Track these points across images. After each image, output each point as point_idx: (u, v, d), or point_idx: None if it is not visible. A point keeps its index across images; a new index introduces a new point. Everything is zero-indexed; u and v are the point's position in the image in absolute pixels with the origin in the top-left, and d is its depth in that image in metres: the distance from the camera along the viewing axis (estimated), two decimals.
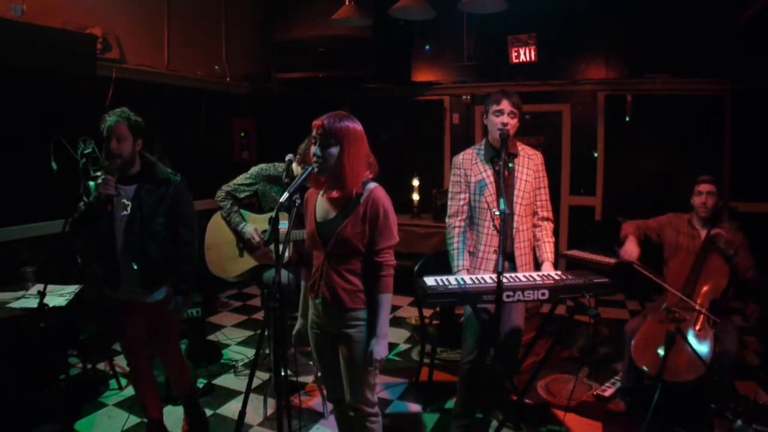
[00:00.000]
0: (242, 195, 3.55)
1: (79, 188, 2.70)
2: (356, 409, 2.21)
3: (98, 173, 2.53)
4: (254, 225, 3.55)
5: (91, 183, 2.57)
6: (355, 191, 2.10)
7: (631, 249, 3.23)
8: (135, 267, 2.63)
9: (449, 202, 2.89)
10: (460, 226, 2.82)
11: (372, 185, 2.14)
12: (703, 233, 3.19)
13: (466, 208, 2.84)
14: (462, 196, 2.85)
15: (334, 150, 2.04)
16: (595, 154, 5.69)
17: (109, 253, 2.64)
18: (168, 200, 2.67)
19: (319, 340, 2.28)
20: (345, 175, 2.05)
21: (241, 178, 3.56)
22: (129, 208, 2.61)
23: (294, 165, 3.41)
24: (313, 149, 2.08)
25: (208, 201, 4.20)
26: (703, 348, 2.80)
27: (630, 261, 3.19)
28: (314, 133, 2.08)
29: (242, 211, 3.58)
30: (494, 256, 2.76)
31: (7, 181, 3.73)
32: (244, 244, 3.55)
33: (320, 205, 2.21)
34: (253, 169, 3.58)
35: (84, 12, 4.22)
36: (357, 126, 2.10)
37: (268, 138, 6.32)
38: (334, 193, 2.12)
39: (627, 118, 5.49)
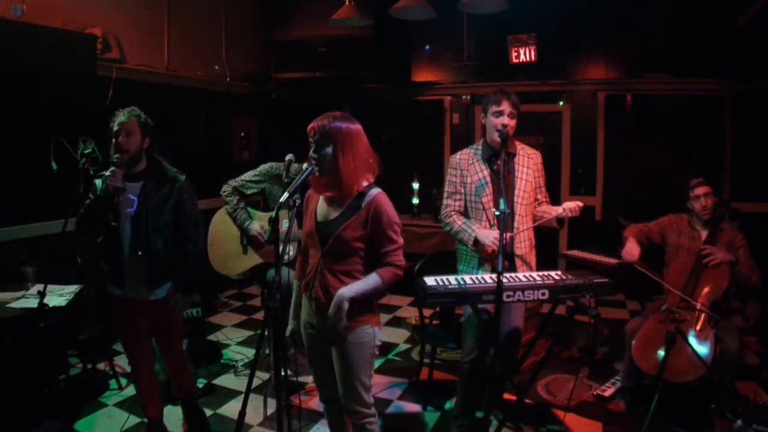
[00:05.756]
0: (249, 191, 3.53)
1: (79, 188, 2.72)
2: (353, 412, 2.20)
3: (104, 171, 2.59)
4: (260, 222, 3.54)
5: (97, 180, 2.63)
6: (355, 191, 2.10)
7: (632, 249, 3.23)
8: (140, 255, 2.68)
9: (444, 201, 2.89)
10: (456, 211, 2.85)
11: (375, 191, 2.12)
12: (704, 234, 3.20)
13: (459, 206, 2.85)
14: (458, 196, 2.85)
15: (328, 150, 2.05)
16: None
17: (115, 249, 2.69)
18: (173, 198, 2.74)
19: (312, 340, 2.28)
20: (341, 175, 2.06)
21: (249, 175, 3.55)
22: (135, 204, 2.68)
23: (305, 166, 3.41)
24: (310, 153, 2.10)
25: (208, 201, 4.21)
26: (703, 349, 2.80)
27: (632, 261, 3.19)
28: (310, 138, 2.10)
29: (248, 208, 3.57)
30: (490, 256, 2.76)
31: (7, 181, 3.72)
32: (249, 241, 3.54)
33: (322, 204, 2.22)
34: (263, 167, 3.57)
35: (84, 12, 4.22)
36: (351, 125, 2.10)
37: (268, 138, 6.32)
38: (333, 193, 2.13)
39: (627, 118, 5.49)
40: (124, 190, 2.62)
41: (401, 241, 2.15)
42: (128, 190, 2.66)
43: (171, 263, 2.75)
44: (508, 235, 2.68)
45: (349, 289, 2.07)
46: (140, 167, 2.73)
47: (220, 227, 3.54)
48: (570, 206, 2.65)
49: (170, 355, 2.98)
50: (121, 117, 2.65)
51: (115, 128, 2.64)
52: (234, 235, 3.54)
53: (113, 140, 2.64)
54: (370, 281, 2.10)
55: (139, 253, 2.68)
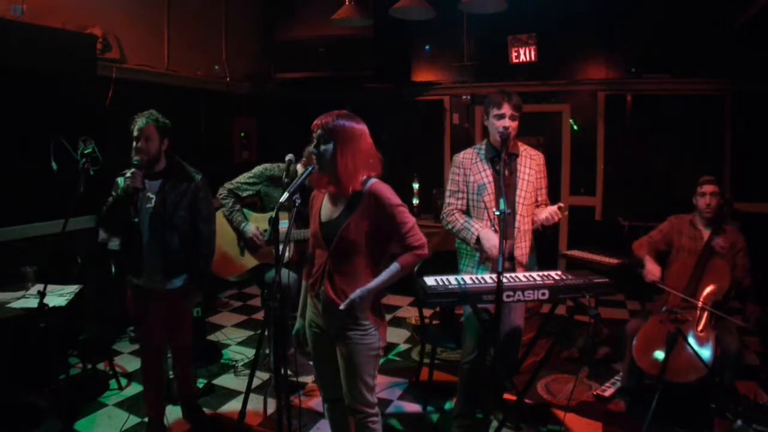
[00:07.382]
0: (245, 194, 3.54)
1: (79, 188, 2.81)
2: (356, 411, 2.21)
3: (126, 171, 2.76)
4: (256, 224, 3.54)
5: (119, 179, 2.79)
6: (352, 189, 2.11)
7: (653, 269, 3.24)
8: (156, 248, 2.87)
9: (447, 200, 2.89)
10: (458, 210, 2.84)
11: (371, 181, 2.14)
12: (706, 234, 3.19)
13: (462, 204, 2.85)
14: (460, 195, 2.85)
15: (328, 147, 2.08)
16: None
17: (134, 243, 2.87)
18: (189, 196, 2.91)
19: (317, 339, 2.28)
20: (339, 172, 2.08)
21: (244, 177, 3.55)
22: (153, 202, 2.85)
23: (299, 166, 3.42)
24: (310, 148, 2.13)
25: None
26: (704, 351, 2.80)
27: (655, 281, 3.21)
28: (313, 134, 2.13)
29: (244, 210, 3.57)
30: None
31: (7, 181, 3.72)
32: (245, 243, 3.54)
33: (325, 205, 2.23)
34: (257, 169, 3.57)
35: (84, 12, 4.22)
36: (355, 124, 2.12)
37: (268, 138, 6.32)
38: (333, 189, 2.14)
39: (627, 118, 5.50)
40: (143, 190, 2.79)
41: (412, 219, 2.14)
42: (148, 188, 2.84)
43: (185, 257, 2.91)
44: (509, 242, 2.68)
45: (363, 291, 2.09)
46: (159, 167, 2.90)
47: (218, 230, 3.54)
48: (552, 210, 2.67)
49: (179, 347, 3.10)
50: (139, 122, 2.81)
51: (135, 133, 2.81)
52: (231, 238, 3.55)
53: (134, 144, 2.80)
54: (387, 271, 2.14)
55: (156, 246, 2.85)
